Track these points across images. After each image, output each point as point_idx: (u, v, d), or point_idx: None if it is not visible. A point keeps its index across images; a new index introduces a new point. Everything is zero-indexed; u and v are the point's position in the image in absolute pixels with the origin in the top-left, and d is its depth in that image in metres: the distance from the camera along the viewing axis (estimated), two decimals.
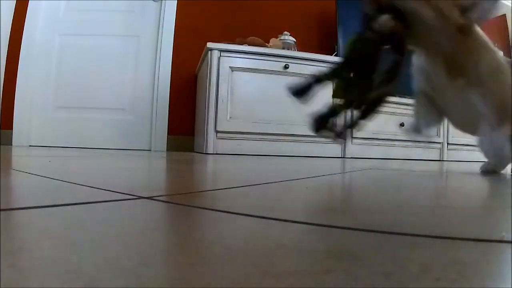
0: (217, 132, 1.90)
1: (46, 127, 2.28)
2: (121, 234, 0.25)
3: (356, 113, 0.78)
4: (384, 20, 0.67)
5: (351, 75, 0.73)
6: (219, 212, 0.34)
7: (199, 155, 1.75)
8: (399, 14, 0.69)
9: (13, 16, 2.23)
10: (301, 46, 2.37)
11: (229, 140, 1.93)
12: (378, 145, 2.27)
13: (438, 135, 2.48)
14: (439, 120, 1.04)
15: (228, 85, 1.93)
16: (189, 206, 0.37)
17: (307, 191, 0.54)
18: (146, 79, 2.39)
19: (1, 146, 1.96)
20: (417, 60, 0.92)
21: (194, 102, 2.45)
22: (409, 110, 2.33)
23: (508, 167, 1.01)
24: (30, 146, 2.21)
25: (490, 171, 1.02)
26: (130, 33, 2.39)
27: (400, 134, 2.32)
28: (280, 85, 2.02)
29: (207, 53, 1.97)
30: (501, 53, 3.15)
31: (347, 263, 0.20)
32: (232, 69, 1.94)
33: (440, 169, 1.36)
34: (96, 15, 2.36)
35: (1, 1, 2.13)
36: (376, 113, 0.78)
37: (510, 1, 3.26)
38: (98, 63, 2.34)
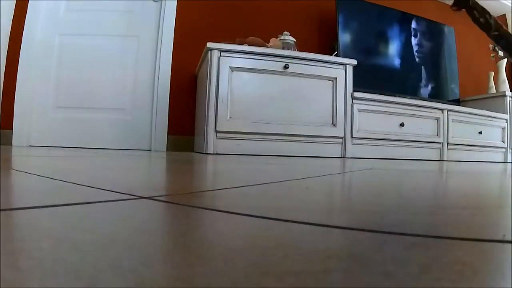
0: (217, 132, 1.90)
1: (46, 127, 2.28)
2: (121, 234, 0.25)
3: None
4: None
5: None
6: (219, 212, 0.34)
7: (199, 155, 1.75)
8: None
9: (13, 16, 2.23)
10: (301, 46, 2.37)
11: (229, 140, 1.93)
12: (378, 145, 2.27)
13: (438, 135, 2.48)
14: None
15: (228, 85, 1.93)
16: (189, 206, 0.37)
17: (307, 191, 0.54)
18: (146, 79, 2.39)
19: (1, 146, 1.96)
20: None
21: (194, 102, 2.45)
22: (409, 110, 2.35)
23: (508, 166, 1.01)
24: (30, 146, 2.21)
25: None
26: (130, 33, 2.39)
27: (400, 134, 2.33)
28: (280, 85, 2.02)
29: (207, 53, 1.97)
30: (501, 53, 3.12)
31: (347, 263, 0.20)
32: (232, 69, 1.94)
33: (440, 169, 1.36)
34: (96, 15, 2.36)
35: (1, 1, 2.13)
36: None
37: (510, 1, 3.26)
38: (98, 63, 2.34)
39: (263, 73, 1.99)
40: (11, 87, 2.20)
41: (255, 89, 1.98)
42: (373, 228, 0.29)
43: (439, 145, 2.48)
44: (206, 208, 0.36)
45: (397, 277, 0.18)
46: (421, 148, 2.41)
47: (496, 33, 0.78)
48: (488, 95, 3.01)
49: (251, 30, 2.48)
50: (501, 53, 3.16)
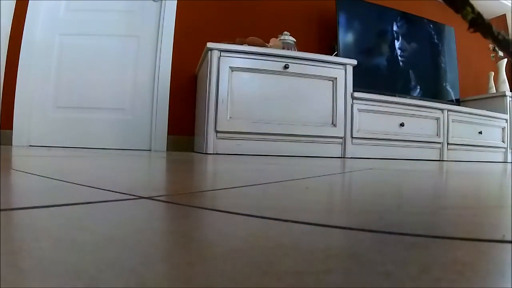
0: (217, 132, 1.90)
1: (46, 127, 2.28)
2: (121, 234, 0.25)
3: None
4: None
5: None
6: (219, 212, 0.34)
7: (199, 155, 1.75)
8: None
9: (13, 16, 2.23)
10: (301, 46, 2.37)
11: (229, 140, 1.93)
12: (378, 145, 2.27)
13: (438, 135, 2.48)
14: None
15: (228, 85, 1.93)
16: (189, 206, 0.37)
17: (307, 191, 0.54)
18: (146, 79, 2.39)
19: (1, 146, 1.96)
20: None
21: (194, 102, 2.45)
22: (409, 110, 2.35)
23: (508, 166, 1.01)
24: (30, 146, 2.21)
25: None
26: (130, 33, 2.39)
27: (400, 134, 2.33)
28: (280, 85, 2.02)
29: (207, 53, 1.97)
30: (501, 53, 3.12)
31: (347, 263, 0.20)
32: (232, 69, 1.94)
33: (440, 169, 1.36)
34: (96, 15, 2.36)
35: (1, 1, 2.12)
36: None
37: (510, 1, 3.26)
38: (98, 63, 2.34)
39: (263, 73, 1.99)
40: (11, 87, 2.20)
41: (255, 89, 1.98)
42: (373, 228, 0.29)
43: (439, 145, 2.48)
44: (206, 208, 0.36)
45: (397, 277, 0.18)
46: (421, 148, 2.41)
47: None
48: (488, 95, 3.01)
49: (251, 30, 2.48)
50: (501, 53, 3.16)
